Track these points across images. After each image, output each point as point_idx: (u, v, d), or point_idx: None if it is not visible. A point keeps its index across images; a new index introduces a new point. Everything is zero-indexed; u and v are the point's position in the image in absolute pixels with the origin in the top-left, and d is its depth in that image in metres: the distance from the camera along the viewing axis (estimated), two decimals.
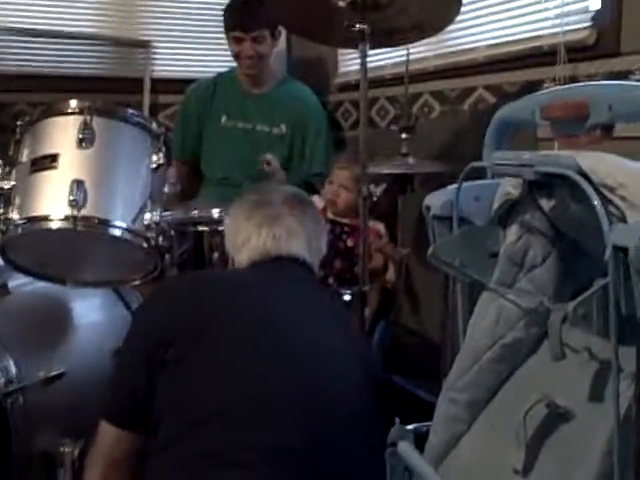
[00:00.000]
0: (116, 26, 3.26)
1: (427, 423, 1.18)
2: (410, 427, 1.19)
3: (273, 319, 1.37)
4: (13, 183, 1.77)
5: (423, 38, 2.20)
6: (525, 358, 1.11)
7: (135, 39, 3.29)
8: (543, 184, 0.95)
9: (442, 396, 1.14)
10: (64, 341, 1.94)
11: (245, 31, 2.78)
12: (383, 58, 2.79)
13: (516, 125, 1.09)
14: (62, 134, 1.77)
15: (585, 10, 1.95)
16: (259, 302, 1.40)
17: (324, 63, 3.37)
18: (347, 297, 1.98)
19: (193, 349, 1.29)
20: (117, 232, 1.74)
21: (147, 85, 3.28)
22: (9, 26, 3.07)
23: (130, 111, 1.86)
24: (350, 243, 2.44)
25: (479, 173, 1.15)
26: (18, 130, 1.82)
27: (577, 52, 1.95)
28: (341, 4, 1.97)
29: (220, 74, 3.09)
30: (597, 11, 1.91)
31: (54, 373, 1.77)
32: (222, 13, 2.87)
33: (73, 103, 1.79)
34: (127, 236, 1.75)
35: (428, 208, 1.16)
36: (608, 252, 0.70)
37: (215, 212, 2.16)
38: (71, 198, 1.67)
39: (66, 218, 1.68)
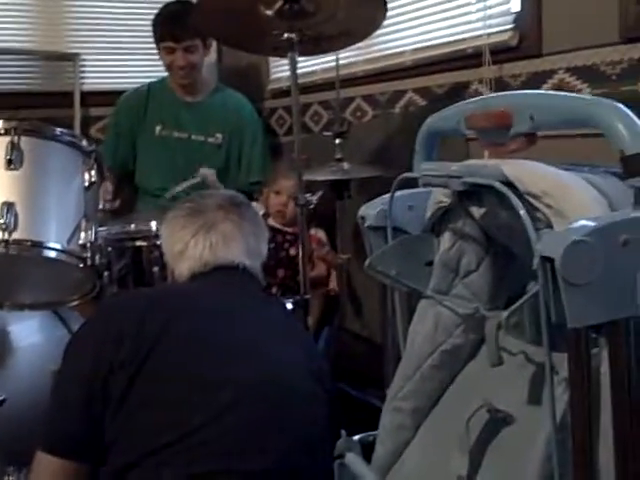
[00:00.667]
0: (43, 40, 3.19)
1: (373, 432, 1.20)
2: (356, 438, 1.20)
3: (219, 340, 1.35)
4: None
5: (350, 44, 2.22)
6: (465, 363, 1.13)
7: (63, 52, 3.23)
8: (473, 192, 0.97)
9: (386, 405, 1.15)
10: (3, 366, 1.90)
11: (176, 41, 2.76)
12: (313, 64, 2.80)
13: (444, 133, 1.11)
14: None
15: (507, 13, 1.99)
16: (202, 322, 1.37)
17: (256, 70, 3.38)
18: (290, 306, 1.98)
19: (138, 378, 1.25)
20: (52, 254, 1.71)
21: (77, 98, 3.22)
22: None
23: (59, 129, 1.82)
24: (293, 252, 2.45)
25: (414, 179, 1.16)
26: None
27: (501, 54, 2.00)
28: (269, 13, 1.97)
29: (153, 83, 3.05)
30: (518, 14, 1.95)
31: None
32: (151, 23, 2.83)
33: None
34: (63, 257, 1.72)
35: (363, 219, 1.17)
36: (536, 262, 0.72)
37: (153, 225, 2.14)
38: (1, 221, 1.64)
39: None
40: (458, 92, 2.20)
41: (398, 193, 1.13)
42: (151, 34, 2.84)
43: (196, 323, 1.36)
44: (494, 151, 0.96)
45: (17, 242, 1.65)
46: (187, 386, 1.27)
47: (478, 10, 2.06)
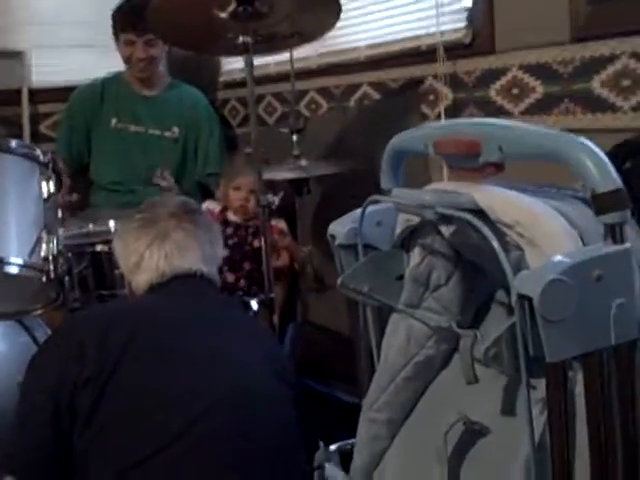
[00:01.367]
0: None
1: (350, 441, 1.22)
2: (333, 447, 1.23)
3: (183, 351, 1.36)
4: None
5: (304, 43, 2.23)
6: (437, 373, 1.16)
7: (9, 49, 3.17)
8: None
9: (362, 416, 1.18)
10: None
11: (138, 34, 2.73)
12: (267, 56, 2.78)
13: (409, 153, 1.13)
14: None
15: (460, 11, 2.01)
16: (165, 334, 1.38)
17: (207, 61, 3.34)
18: (255, 305, 2.00)
19: (104, 394, 1.25)
20: (14, 269, 1.70)
21: (25, 95, 3.17)
22: None
23: (14, 142, 1.81)
24: (257, 244, 2.45)
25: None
26: None
27: (455, 50, 2.02)
28: (223, 16, 1.96)
29: (106, 78, 3.01)
30: (470, 12, 1.98)
31: None
32: (110, 16, 2.78)
33: None
34: (25, 272, 1.71)
35: (333, 237, 1.18)
36: (514, 299, 0.75)
37: (111, 225, 2.13)
38: None
39: None
40: (413, 87, 2.22)
41: (367, 209, 1.15)
42: (100, 29, 2.81)
43: (159, 336, 1.37)
44: (462, 175, 0.98)
45: None
46: (155, 400, 1.28)
47: (431, 7, 2.08)
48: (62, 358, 1.32)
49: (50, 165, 1.84)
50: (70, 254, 2.06)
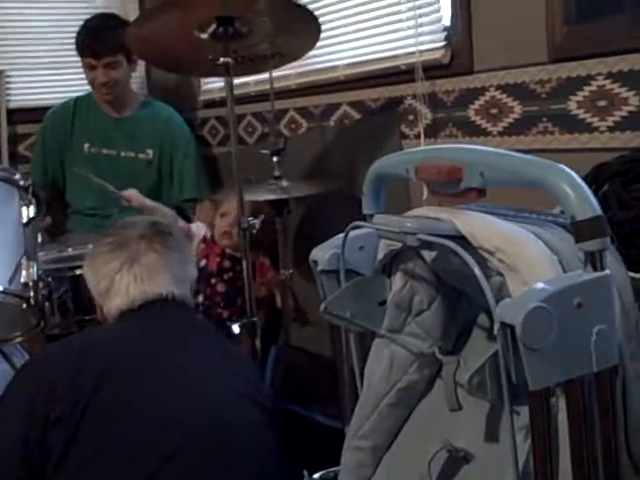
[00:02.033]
0: None
1: (334, 468, 1.22)
2: (317, 476, 1.23)
3: (159, 386, 1.34)
4: None
5: (285, 64, 2.24)
6: (421, 398, 1.16)
7: None
8: None
9: (347, 444, 1.18)
10: None
11: (96, 57, 2.71)
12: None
13: (391, 178, 1.13)
14: None
15: (438, 31, 2.03)
16: (139, 369, 1.35)
17: (186, 79, 3.34)
18: (236, 329, 1.99)
19: (78, 433, 1.23)
20: None
21: (3, 116, 3.15)
22: None
23: None
24: None
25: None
26: None
27: (434, 70, 2.03)
28: (203, 37, 1.97)
29: (79, 98, 2.99)
30: (448, 32, 1.99)
31: None
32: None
33: None
34: (5, 299, 1.69)
35: (315, 263, 1.18)
36: (496, 327, 0.75)
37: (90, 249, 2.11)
38: None
39: None
40: (392, 106, 2.23)
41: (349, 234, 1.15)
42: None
43: (133, 371, 1.34)
44: (444, 200, 0.99)
45: None
46: (131, 438, 1.25)
47: (409, 28, 2.09)
48: (31, 399, 1.28)
49: (30, 189, 1.82)
50: (50, 279, 2.04)
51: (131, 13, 3.20)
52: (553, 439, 0.78)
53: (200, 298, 2.42)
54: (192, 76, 2.97)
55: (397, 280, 1.13)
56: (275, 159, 2.29)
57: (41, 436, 1.24)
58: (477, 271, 0.83)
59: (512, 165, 0.86)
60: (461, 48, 1.95)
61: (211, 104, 3.18)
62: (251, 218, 1.95)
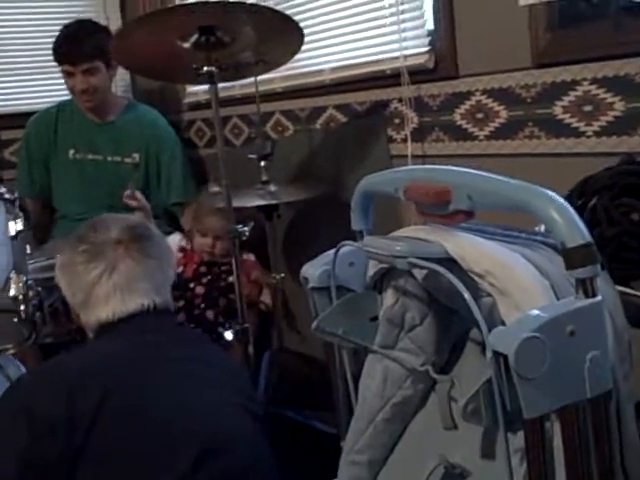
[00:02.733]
0: None
1: None
2: None
3: (155, 410, 1.30)
4: None
5: (268, 71, 2.24)
6: (415, 413, 1.17)
7: None
8: None
9: (343, 459, 1.18)
10: None
11: (73, 64, 2.68)
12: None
13: (379, 195, 1.13)
14: None
15: (423, 35, 2.02)
16: (134, 393, 1.31)
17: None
18: (229, 336, 1.99)
19: (78, 468, 1.20)
20: None
21: None
22: None
23: None
24: (231, 279, 2.44)
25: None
26: None
27: (419, 74, 2.03)
28: (186, 46, 1.96)
29: (61, 104, 2.96)
30: (432, 37, 1.99)
31: None
32: None
33: None
34: None
35: (306, 280, 1.18)
36: (489, 355, 0.75)
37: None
38: None
39: None
40: (379, 110, 2.23)
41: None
42: None
43: (129, 396, 1.30)
44: (432, 220, 0.99)
45: None
46: (134, 466, 1.23)
47: (393, 32, 2.09)
48: (25, 440, 1.22)
49: (16, 202, 1.81)
50: (40, 288, 2.03)
51: (113, 19, 3.18)
52: (549, 463, 0.79)
53: (181, 302, 2.44)
54: (177, 84, 2.96)
55: (388, 296, 1.14)
56: (262, 164, 2.29)
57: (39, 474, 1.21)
58: (467, 295, 0.83)
59: (500, 190, 0.86)
60: (445, 53, 1.95)
61: (197, 106, 3.16)
62: (240, 225, 1.95)
